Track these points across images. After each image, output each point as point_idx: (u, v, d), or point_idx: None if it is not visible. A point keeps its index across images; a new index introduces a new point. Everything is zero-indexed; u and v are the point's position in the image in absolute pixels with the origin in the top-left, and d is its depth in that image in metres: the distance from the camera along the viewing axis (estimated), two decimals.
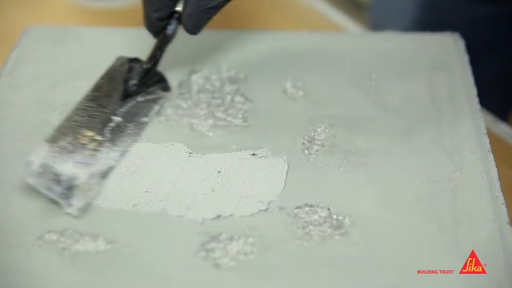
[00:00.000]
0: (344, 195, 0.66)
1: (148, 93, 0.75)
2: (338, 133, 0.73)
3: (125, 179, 0.68)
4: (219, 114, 0.75)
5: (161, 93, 0.75)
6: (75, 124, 0.69)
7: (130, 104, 0.72)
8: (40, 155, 0.64)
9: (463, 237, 0.62)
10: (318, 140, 0.72)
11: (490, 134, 0.73)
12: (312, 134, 0.73)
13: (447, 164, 0.69)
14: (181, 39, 0.76)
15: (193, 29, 0.72)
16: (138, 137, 0.71)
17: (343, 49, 0.83)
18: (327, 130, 0.73)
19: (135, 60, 0.75)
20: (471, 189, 0.66)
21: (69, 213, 0.63)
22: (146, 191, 0.66)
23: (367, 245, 0.62)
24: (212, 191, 0.66)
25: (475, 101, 0.76)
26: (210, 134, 0.73)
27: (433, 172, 0.68)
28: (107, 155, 0.67)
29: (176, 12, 0.73)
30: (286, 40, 0.86)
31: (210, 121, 0.74)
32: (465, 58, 0.82)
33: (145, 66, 0.74)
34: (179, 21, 0.73)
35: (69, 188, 0.63)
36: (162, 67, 0.76)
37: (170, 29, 0.74)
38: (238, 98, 0.77)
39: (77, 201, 0.64)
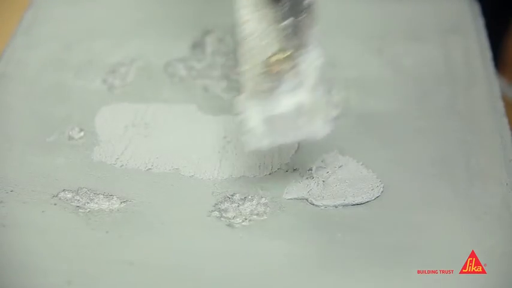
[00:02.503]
0: (357, 157, 0.66)
1: None
2: (352, 96, 0.73)
3: (138, 139, 0.68)
4: (234, 76, 0.75)
5: None
6: (256, 56, 0.60)
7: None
8: (253, 114, 0.58)
9: (476, 200, 0.62)
10: (332, 102, 0.72)
11: (505, 98, 0.73)
12: (326, 96, 0.73)
13: (461, 127, 0.69)
14: None
15: None
16: (316, 19, 0.61)
17: (357, 12, 0.83)
18: (341, 92, 0.73)
19: None
20: (485, 152, 0.66)
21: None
22: (159, 151, 0.67)
23: (380, 206, 0.62)
24: (225, 152, 0.67)
25: (490, 64, 0.76)
26: (224, 95, 0.73)
27: (447, 135, 0.68)
28: (306, 59, 0.60)
29: None
30: None
31: (224, 83, 0.74)
32: (480, 21, 0.81)
33: None
34: None
35: (311, 114, 0.58)
36: (175, 27, 0.75)
37: None
38: None
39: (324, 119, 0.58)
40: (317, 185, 0.63)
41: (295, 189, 0.63)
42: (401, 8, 0.84)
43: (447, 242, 0.59)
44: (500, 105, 0.70)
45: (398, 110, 0.71)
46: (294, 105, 0.58)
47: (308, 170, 0.65)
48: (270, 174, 0.65)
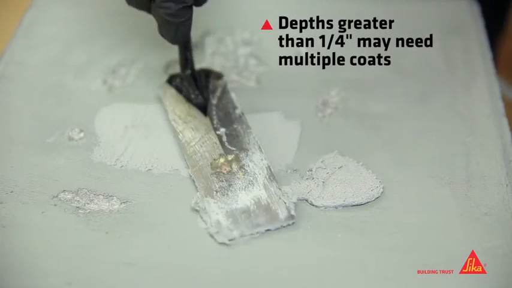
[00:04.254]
0: (357, 158, 0.66)
1: (213, 91, 0.71)
2: (352, 96, 0.73)
3: (138, 140, 0.68)
4: (233, 77, 0.75)
5: (221, 82, 0.72)
6: (200, 160, 0.65)
7: (213, 113, 0.69)
8: (215, 210, 0.61)
9: (476, 200, 0.62)
10: (332, 102, 0.72)
11: (505, 99, 0.73)
12: (326, 96, 0.73)
13: (461, 127, 0.69)
14: None
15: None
16: (249, 128, 0.68)
17: (358, 13, 0.83)
18: (341, 93, 0.73)
19: (173, 78, 0.72)
20: (485, 153, 0.66)
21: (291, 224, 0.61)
22: (159, 152, 0.67)
23: (380, 207, 0.62)
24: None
25: (490, 65, 0.76)
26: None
27: (447, 136, 0.68)
28: (252, 160, 0.65)
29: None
30: (303, 2, 0.86)
31: None
32: (480, 22, 0.81)
33: (187, 74, 0.70)
34: None
35: (267, 210, 0.61)
36: None
37: None
38: (252, 61, 0.77)
39: (290, 209, 0.61)
40: (317, 186, 0.63)
41: (295, 189, 0.63)
42: (402, 9, 0.84)
43: (447, 242, 0.59)
44: (500, 106, 0.70)
45: (398, 111, 0.71)
46: (251, 200, 0.61)
47: (308, 171, 0.65)
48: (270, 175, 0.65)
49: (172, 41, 0.66)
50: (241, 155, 0.65)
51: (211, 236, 0.59)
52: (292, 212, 0.60)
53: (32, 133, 0.68)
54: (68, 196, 0.63)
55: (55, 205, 0.62)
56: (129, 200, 0.62)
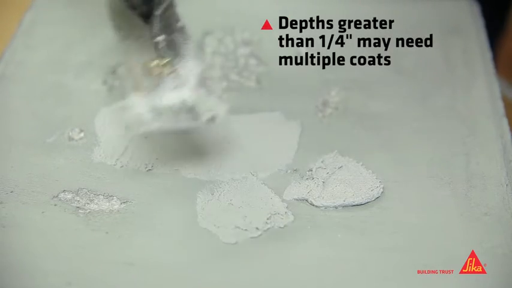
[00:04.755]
0: (357, 158, 0.66)
1: (159, 3, 0.69)
2: (352, 96, 0.73)
3: (138, 141, 0.68)
4: (233, 77, 0.75)
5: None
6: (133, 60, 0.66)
7: (155, 21, 0.67)
8: (141, 104, 0.61)
9: (476, 200, 0.62)
10: (332, 102, 0.72)
11: (505, 99, 0.73)
12: (326, 96, 0.73)
13: (461, 127, 0.69)
14: None
15: None
16: (190, 38, 0.67)
17: (358, 13, 0.83)
18: (341, 93, 0.73)
19: None
20: (485, 153, 0.66)
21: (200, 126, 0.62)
22: (159, 152, 0.67)
23: (380, 207, 0.62)
24: (225, 153, 0.67)
25: (490, 65, 0.76)
26: (224, 95, 0.73)
27: (447, 136, 0.68)
28: (185, 67, 0.64)
29: None
30: (303, 2, 0.86)
31: (224, 83, 0.74)
32: (480, 22, 0.81)
33: None
34: None
35: (191, 110, 0.61)
36: None
37: None
38: (252, 61, 0.77)
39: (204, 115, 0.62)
40: (317, 186, 0.63)
41: (295, 189, 0.63)
42: (402, 9, 0.84)
43: (447, 242, 0.59)
44: (500, 106, 0.70)
45: (398, 111, 0.71)
46: (177, 100, 0.61)
47: (308, 171, 0.65)
48: (270, 175, 0.65)
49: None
50: (175, 60, 0.64)
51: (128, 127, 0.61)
52: (215, 116, 0.61)
53: (32, 133, 0.69)
54: (68, 196, 0.63)
55: (55, 205, 0.62)
56: (129, 200, 0.63)
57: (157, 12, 0.67)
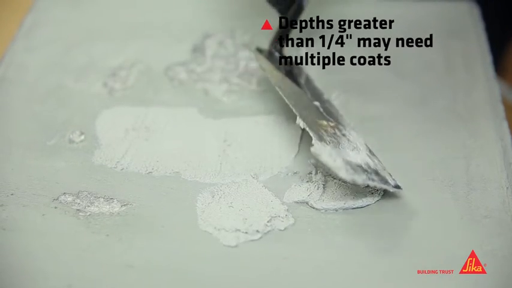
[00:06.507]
0: None
1: (299, 75, 0.73)
2: (352, 99, 0.73)
3: (139, 143, 0.68)
4: (234, 79, 0.75)
5: (303, 70, 0.74)
6: (310, 120, 0.65)
7: (305, 87, 0.71)
8: (332, 154, 0.59)
9: (476, 203, 0.62)
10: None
11: (505, 102, 0.73)
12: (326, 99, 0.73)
13: (461, 130, 0.69)
14: (194, 2, 0.75)
15: None
16: (340, 112, 0.70)
17: (358, 13, 0.83)
18: (341, 95, 0.73)
19: (260, 51, 0.74)
20: (485, 156, 0.66)
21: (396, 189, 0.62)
22: (160, 155, 0.67)
23: (380, 210, 0.62)
24: (226, 155, 0.67)
25: (490, 68, 0.76)
26: (224, 99, 0.73)
27: (447, 138, 0.68)
28: (351, 134, 0.66)
29: None
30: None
31: (225, 86, 0.74)
32: (480, 25, 0.81)
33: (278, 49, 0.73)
34: None
35: (377, 173, 0.62)
36: (175, 30, 0.75)
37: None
38: (252, 64, 0.77)
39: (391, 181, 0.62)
40: (317, 189, 0.63)
41: (296, 192, 0.63)
42: (402, 12, 0.84)
43: (447, 245, 0.59)
44: (500, 109, 0.70)
45: (399, 114, 0.71)
46: (361, 160, 0.61)
47: (308, 174, 0.65)
48: (270, 177, 0.65)
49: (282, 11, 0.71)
50: (340, 126, 0.65)
51: (333, 170, 0.58)
52: (398, 183, 0.61)
53: (32, 135, 0.69)
54: (69, 199, 0.63)
55: (55, 208, 0.62)
56: (129, 202, 0.63)
57: (301, 80, 0.71)
